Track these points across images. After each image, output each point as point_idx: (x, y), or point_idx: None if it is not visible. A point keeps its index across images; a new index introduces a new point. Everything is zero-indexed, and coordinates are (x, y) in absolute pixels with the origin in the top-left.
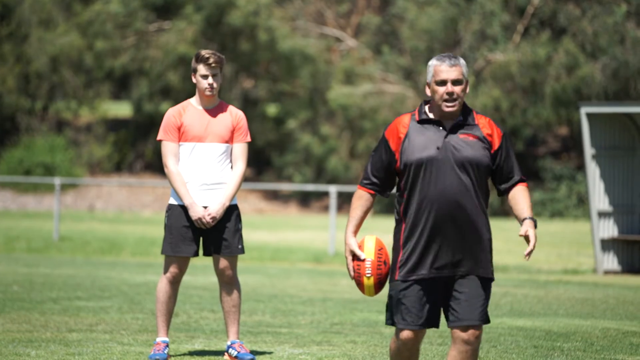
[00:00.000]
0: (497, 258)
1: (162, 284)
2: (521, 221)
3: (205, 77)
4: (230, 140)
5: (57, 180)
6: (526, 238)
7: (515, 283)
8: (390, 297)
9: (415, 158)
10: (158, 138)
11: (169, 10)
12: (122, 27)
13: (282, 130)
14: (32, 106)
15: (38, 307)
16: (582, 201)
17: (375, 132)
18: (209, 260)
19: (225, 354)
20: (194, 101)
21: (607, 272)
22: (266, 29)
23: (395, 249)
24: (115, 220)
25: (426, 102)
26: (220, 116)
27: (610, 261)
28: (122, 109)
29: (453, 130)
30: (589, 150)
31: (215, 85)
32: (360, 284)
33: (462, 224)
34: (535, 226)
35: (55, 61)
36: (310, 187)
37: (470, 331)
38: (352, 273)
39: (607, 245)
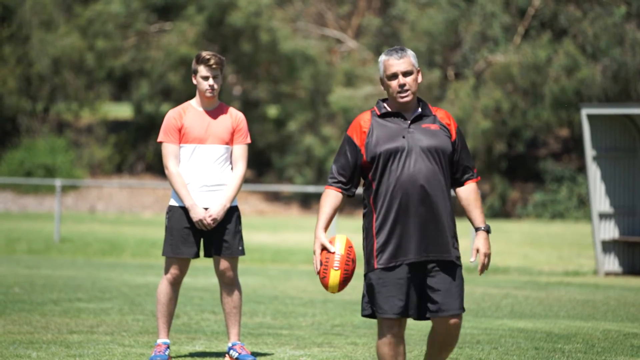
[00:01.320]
0: (498, 259)
1: (163, 286)
2: (475, 229)
3: (205, 78)
4: (230, 141)
5: (58, 182)
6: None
7: (516, 284)
8: (369, 286)
9: (383, 149)
10: (158, 140)
11: (170, 11)
12: (123, 28)
13: (283, 132)
14: (33, 108)
15: (39, 308)
16: (583, 203)
17: None
18: (209, 262)
19: (227, 355)
20: (194, 102)
21: (608, 274)
22: (267, 30)
23: (369, 239)
24: (116, 221)
25: (383, 100)
26: (221, 118)
27: (611, 263)
28: (122, 111)
29: (415, 120)
30: (589, 152)
31: (215, 86)
32: (325, 278)
33: (433, 209)
34: (489, 231)
35: (56, 63)
36: (311, 189)
37: (452, 320)
38: (318, 267)
39: (608, 246)
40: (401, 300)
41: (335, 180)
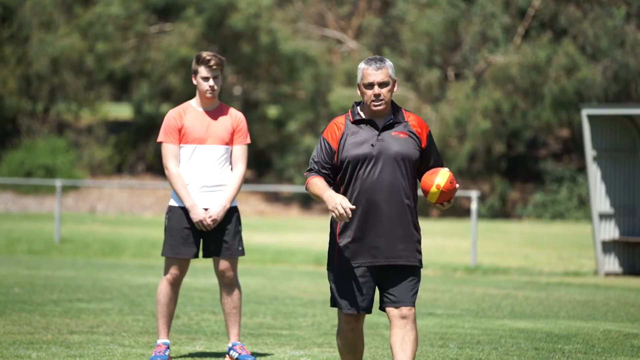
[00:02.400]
0: (499, 260)
1: (163, 286)
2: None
3: (206, 79)
4: (230, 142)
5: (58, 182)
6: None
7: (516, 285)
8: (331, 283)
9: (352, 155)
10: (158, 140)
11: (170, 13)
12: (123, 29)
13: (283, 132)
14: (33, 108)
15: (39, 309)
16: (583, 203)
17: None
18: (209, 262)
19: (227, 356)
20: (194, 103)
21: (608, 274)
22: (267, 31)
23: (332, 238)
24: (116, 222)
25: (357, 104)
26: (221, 118)
27: (612, 263)
28: (122, 111)
29: (385, 128)
30: (590, 152)
31: (216, 87)
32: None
33: (395, 215)
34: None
35: (56, 63)
36: None
37: (405, 310)
38: (343, 210)
39: (608, 247)
40: (359, 298)
41: (315, 169)
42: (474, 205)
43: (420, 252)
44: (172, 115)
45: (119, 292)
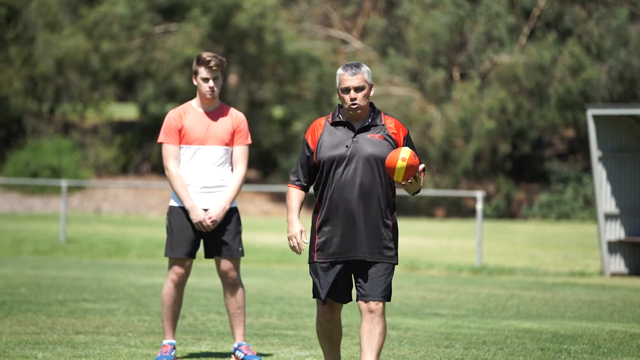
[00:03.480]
0: (504, 260)
1: (168, 287)
2: None
3: (206, 80)
4: (230, 143)
5: (63, 183)
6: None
7: (522, 285)
8: (312, 275)
9: (327, 156)
10: (159, 140)
11: (175, 12)
12: (128, 29)
13: (288, 132)
14: (38, 108)
15: (45, 309)
16: (589, 203)
17: None
18: (214, 262)
19: (232, 356)
20: (194, 103)
21: (613, 275)
22: (272, 32)
23: (312, 234)
24: (121, 222)
25: (340, 107)
26: (221, 119)
27: (617, 263)
28: (128, 111)
29: (361, 131)
30: (595, 153)
31: (216, 88)
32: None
33: (368, 214)
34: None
35: (61, 63)
36: None
37: (372, 304)
38: (295, 245)
39: (614, 247)
40: (333, 290)
41: (296, 179)
42: (479, 206)
43: (392, 249)
44: (172, 116)
45: (124, 292)
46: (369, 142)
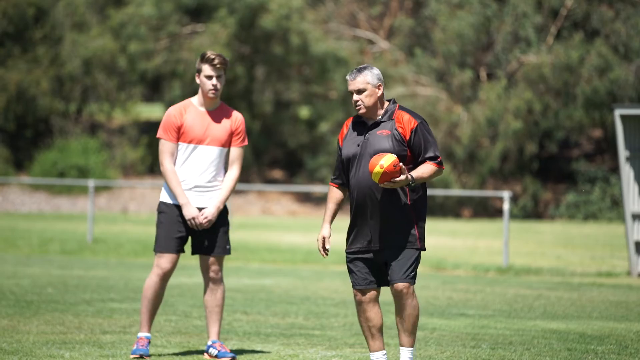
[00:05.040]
0: (531, 260)
1: (152, 281)
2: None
3: (209, 77)
4: (227, 144)
5: (90, 183)
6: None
7: (549, 285)
8: (347, 264)
9: (345, 154)
10: (157, 136)
11: (201, 13)
12: (155, 30)
13: (314, 133)
14: (65, 109)
15: (72, 308)
16: (616, 203)
17: None
18: (240, 263)
19: (205, 354)
20: (195, 101)
21: None
22: (298, 33)
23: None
24: (148, 222)
25: None
26: (221, 119)
27: None
28: (154, 111)
29: (372, 127)
30: (622, 152)
31: (219, 86)
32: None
33: (382, 206)
34: (413, 181)
35: (88, 64)
36: None
37: (400, 286)
38: (321, 248)
39: None
40: (366, 278)
41: (335, 177)
42: (506, 206)
43: (413, 235)
44: (173, 113)
45: None
46: (377, 138)
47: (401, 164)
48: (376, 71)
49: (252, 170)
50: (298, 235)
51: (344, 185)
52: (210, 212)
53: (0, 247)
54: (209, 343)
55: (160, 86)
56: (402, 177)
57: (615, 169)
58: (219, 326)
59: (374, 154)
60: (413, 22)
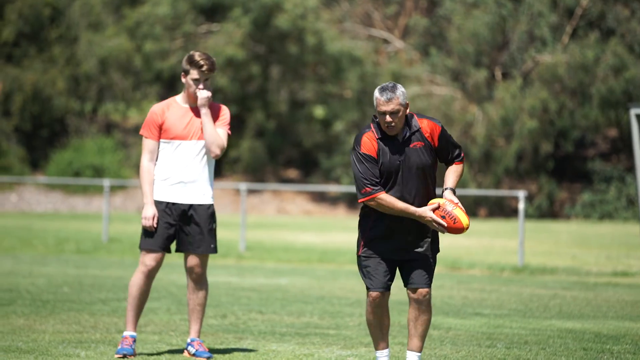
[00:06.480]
0: (546, 260)
1: (137, 279)
2: (442, 190)
3: (196, 81)
4: None
5: (106, 182)
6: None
7: (564, 285)
8: (359, 267)
9: (386, 168)
10: (140, 132)
11: (216, 13)
12: (170, 30)
13: (329, 132)
14: (81, 108)
15: (88, 308)
16: (632, 203)
17: None
18: (255, 261)
19: (185, 351)
20: (179, 99)
21: None
22: (313, 32)
23: (362, 231)
24: None
25: (376, 118)
26: None
27: None
28: None
29: (406, 143)
30: (638, 152)
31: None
32: (457, 220)
33: (417, 221)
34: (454, 193)
35: (104, 63)
36: None
37: (424, 292)
38: (446, 222)
39: None
40: (385, 278)
41: (376, 187)
42: (521, 205)
43: (435, 242)
44: (155, 111)
45: (166, 291)
46: (414, 153)
47: (456, 200)
48: (404, 90)
49: (268, 170)
50: (313, 234)
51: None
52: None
53: (16, 246)
54: (188, 341)
55: (176, 85)
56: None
57: (631, 169)
58: (199, 325)
59: (417, 168)
60: (428, 22)
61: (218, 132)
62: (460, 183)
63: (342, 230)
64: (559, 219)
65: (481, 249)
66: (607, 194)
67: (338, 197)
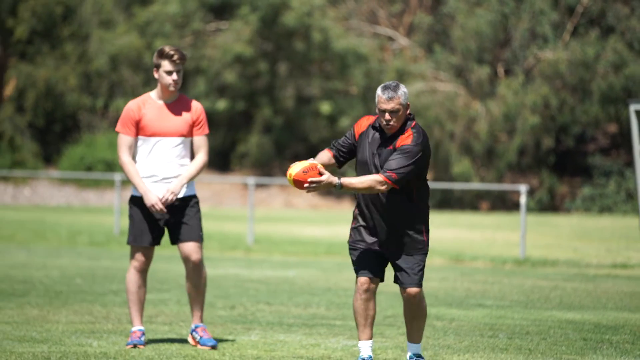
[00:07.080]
0: (548, 252)
1: (131, 274)
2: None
3: (169, 72)
4: (188, 134)
5: (117, 176)
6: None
7: (565, 277)
8: (350, 254)
9: (359, 157)
10: (116, 129)
11: (225, 11)
12: (180, 27)
13: (335, 128)
14: (93, 104)
15: (100, 299)
16: (631, 196)
17: (427, 130)
18: (263, 254)
19: (190, 336)
20: (154, 95)
21: None
22: (320, 30)
23: (353, 219)
24: None
25: None
26: (180, 110)
27: None
28: None
29: (386, 141)
30: (637, 147)
31: (179, 80)
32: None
33: (391, 213)
34: (340, 186)
35: (115, 60)
36: None
37: (414, 292)
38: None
39: None
40: (374, 265)
41: (333, 146)
42: (523, 199)
43: (422, 241)
44: (131, 107)
45: (176, 282)
46: (386, 153)
47: (319, 166)
48: (406, 90)
49: (275, 164)
50: (320, 227)
51: (337, 160)
52: (173, 184)
53: (30, 239)
54: (192, 327)
55: (185, 82)
56: (323, 177)
57: (630, 163)
58: (201, 310)
59: (381, 167)
60: (432, 20)
61: (196, 164)
62: (464, 177)
63: (348, 224)
64: (560, 212)
65: (484, 241)
66: (606, 188)
67: (344, 191)
